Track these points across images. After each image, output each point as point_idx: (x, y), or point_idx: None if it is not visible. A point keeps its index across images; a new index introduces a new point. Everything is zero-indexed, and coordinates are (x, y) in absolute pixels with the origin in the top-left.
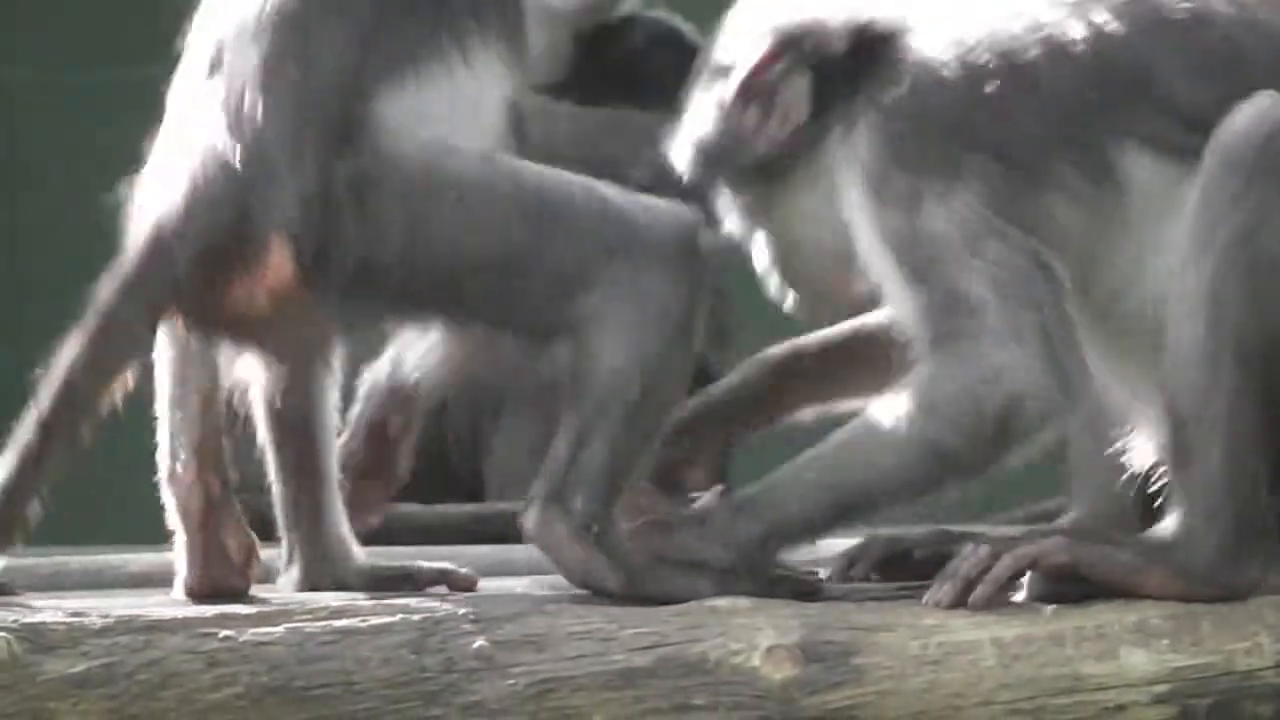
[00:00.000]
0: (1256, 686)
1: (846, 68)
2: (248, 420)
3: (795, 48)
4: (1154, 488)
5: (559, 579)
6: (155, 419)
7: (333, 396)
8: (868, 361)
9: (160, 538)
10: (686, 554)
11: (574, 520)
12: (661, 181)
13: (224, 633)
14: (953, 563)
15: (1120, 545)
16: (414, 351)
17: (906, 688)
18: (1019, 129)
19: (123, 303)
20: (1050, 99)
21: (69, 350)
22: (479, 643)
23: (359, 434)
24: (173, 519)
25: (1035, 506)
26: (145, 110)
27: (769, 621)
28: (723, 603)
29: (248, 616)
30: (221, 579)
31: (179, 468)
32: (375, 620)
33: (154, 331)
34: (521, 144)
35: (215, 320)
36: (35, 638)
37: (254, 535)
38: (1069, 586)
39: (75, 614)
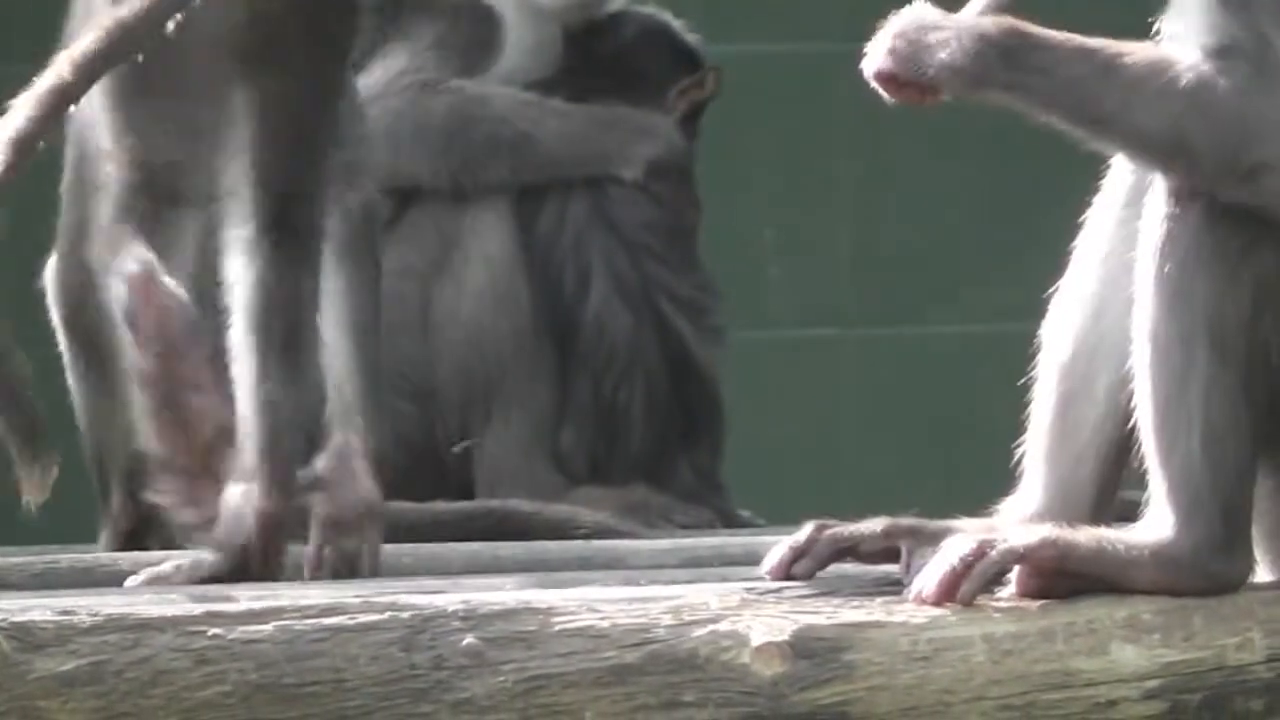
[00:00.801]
0: (1248, 681)
1: None
2: None
3: None
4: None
5: (549, 575)
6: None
7: None
8: None
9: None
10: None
11: None
12: (652, 176)
13: (213, 630)
14: (937, 557)
15: (1108, 540)
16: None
17: (897, 684)
18: None
19: None
20: None
21: None
22: (469, 640)
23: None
24: None
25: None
26: None
27: (759, 618)
28: (713, 599)
29: (236, 614)
30: None
31: None
32: (364, 618)
33: None
34: None
35: None
36: (24, 636)
37: None
38: (1055, 582)
39: (64, 612)
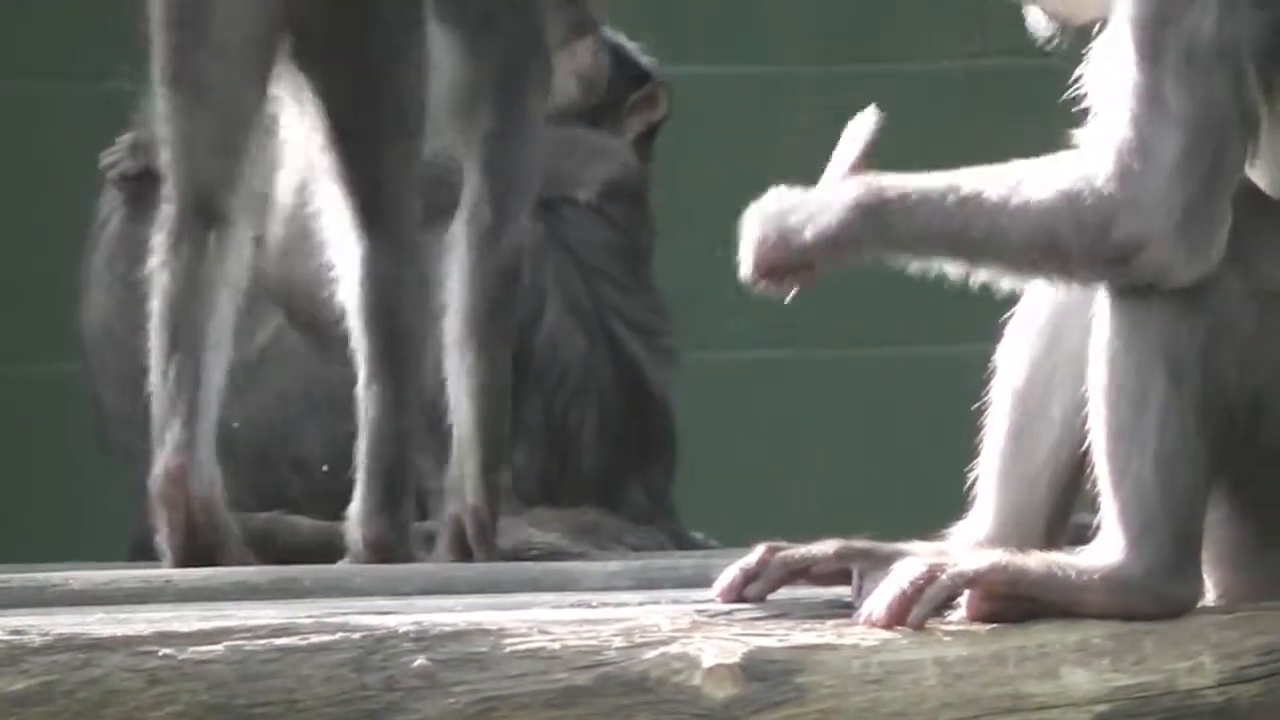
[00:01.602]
0: (1199, 706)
1: None
2: None
3: None
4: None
5: (501, 596)
6: (99, 441)
7: None
8: None
9: (103, 555)
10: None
11: None
12: (607, 198)
13: (164, 651)
14: (888, 580)
15: (1059, 564)
16: None
17: (849, 706)
18: None
19: None
20: None
21: None
22: (420, 661)
23: None
24: None
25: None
26: None
27: (710, 640)
28: (664, 621)
29: (188, 634)
30: None
31: None
32: (316, 638)
33: None
34: None
35: None
36: None
37: None
38: (1007, 606)
39: (15, 632)
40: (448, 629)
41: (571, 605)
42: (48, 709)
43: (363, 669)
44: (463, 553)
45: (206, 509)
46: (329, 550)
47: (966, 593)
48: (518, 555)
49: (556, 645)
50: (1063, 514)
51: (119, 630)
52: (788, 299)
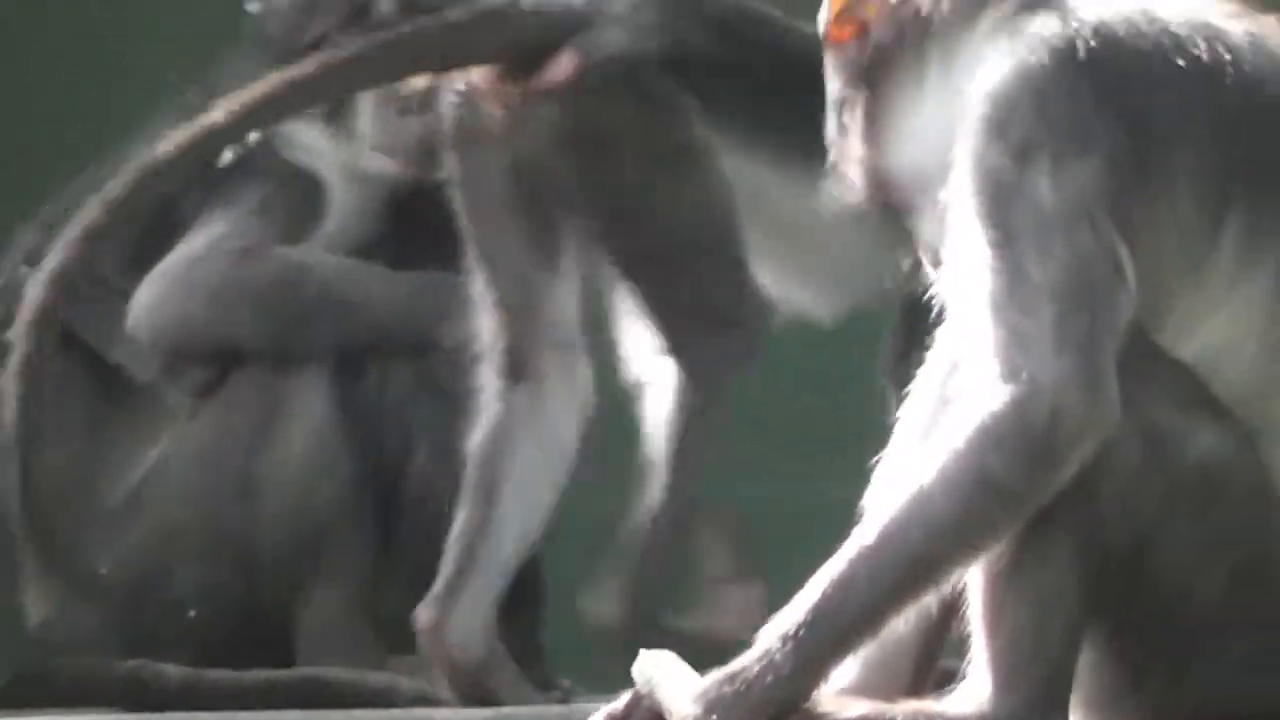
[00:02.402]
0: None
1: None
2: None
3: None
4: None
5: None
6: None
7: None
8: None
9: None
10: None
11: None
12: (473, 341)
13: None
14: None
15: (925, 713)
16: None
17: None
18: (1168, 126)
19: None
20: (1210, 113)
21: None
22: None
23: None
24: None
25: None
26: None
27: None
28: None
29: None
30: None
31: None
32: None
33: None
34: None
35: None
36: None
37: None
38: None
39: None
40: None
41: None
42: None
43: None
44: None
45: (468, 654)
46: (194, 697)
47: None
48: (390, 702)
49: None
50: (930, 658)
51: None
52: None
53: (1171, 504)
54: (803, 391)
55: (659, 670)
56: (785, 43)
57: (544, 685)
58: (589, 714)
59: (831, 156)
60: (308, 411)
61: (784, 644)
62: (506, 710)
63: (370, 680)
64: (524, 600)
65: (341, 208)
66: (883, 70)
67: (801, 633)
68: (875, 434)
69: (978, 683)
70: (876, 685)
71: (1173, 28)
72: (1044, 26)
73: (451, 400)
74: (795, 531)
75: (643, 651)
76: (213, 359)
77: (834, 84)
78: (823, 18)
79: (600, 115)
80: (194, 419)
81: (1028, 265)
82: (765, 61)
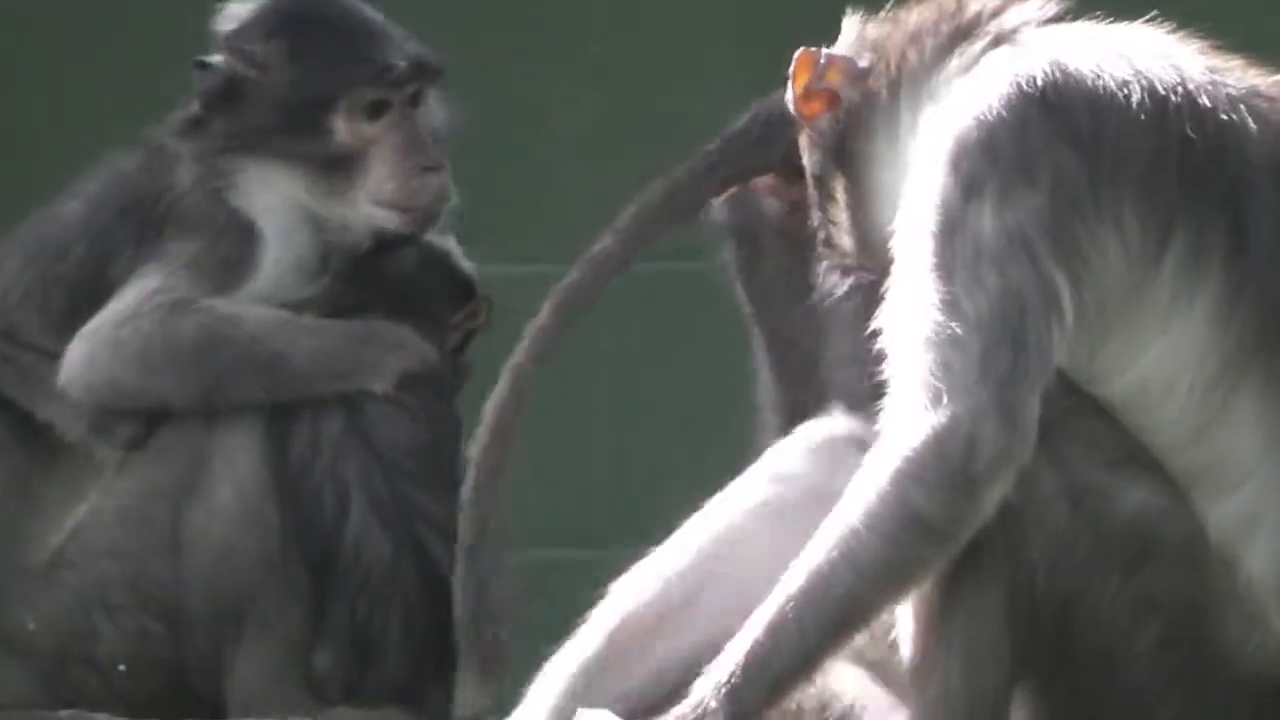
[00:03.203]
0: None
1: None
2: None
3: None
4: None
5: None
6: None
7: None
8: None
9: None
10: None
11: None
12: (405, 388)
13: None
14: None
15: None
16: None
17: None
18: (1117, 155)
19: None
20: (1158, 142)
21: None
22: None
23: None
24: None
25: None
26: None
27: None
28: None
29: None
30: None
31: None
32: None
33: None
34: None
35: None
36: None
37: None
38: None
39: None
40: None
41: None
42: None
43: None
44: None
45: None
46: None
47: None
48: None
49: None
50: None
51: None
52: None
53: (1100, 561)
54: None
55: None
56: None
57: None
58: None
59: (819, 233)
60: (235, 467)
61: (718, 692)
62: None
63: None
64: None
65: (278, 261)
66: (858, 133)
67: (736, 680)
68: None
69: None
70: None
71: (1126, 58)
72: (1000, 62)
73: (386, 456)
74: None
75: (580, 711)
76: (143, 415)
77: (810, 159)
78: (789, 96)
79: None
80: (121, 475)
81: (960, 297)
82: None
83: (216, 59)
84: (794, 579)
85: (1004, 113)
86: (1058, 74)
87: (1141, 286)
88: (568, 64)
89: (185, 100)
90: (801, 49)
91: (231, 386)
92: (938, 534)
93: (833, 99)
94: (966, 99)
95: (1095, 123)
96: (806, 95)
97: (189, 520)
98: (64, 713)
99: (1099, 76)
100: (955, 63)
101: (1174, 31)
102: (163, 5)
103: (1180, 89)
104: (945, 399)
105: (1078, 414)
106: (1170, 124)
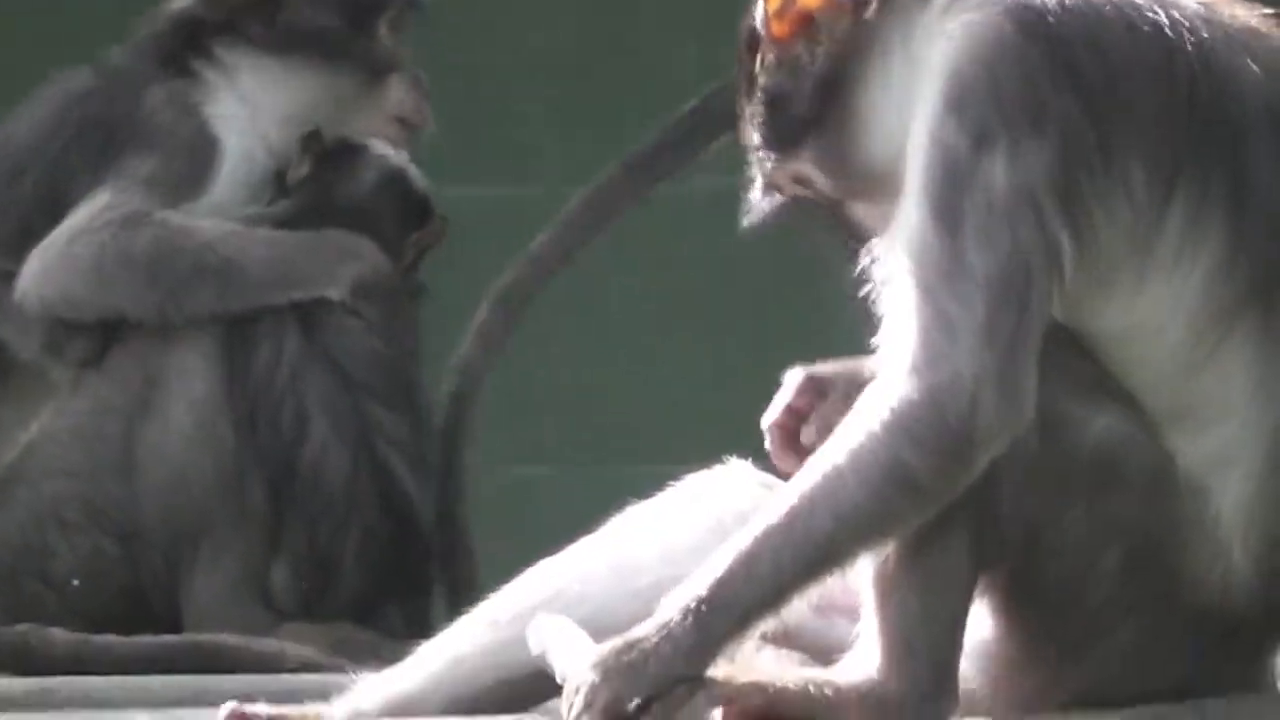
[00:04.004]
0: None
1: None
2: None
3: None
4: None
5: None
6: None
7: None
8: None
9: None
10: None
11: None
12: (359, 296)
13: None
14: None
15: (816, 683)
16: None
17: None
18: (1122, 100)
19: None
20: (1163, 86)
21: None
22: None
23: None
24: None
25: None
26: None
27: None
28: None
29: None
30: None
31: None
32: None
33: None
34: None
35: None
36: None
37: None
38: None
39: None
40: None
41: None
42: None
43: None
44: None
45: None
46: (83, 661)
47: (719, 711)
48: (278, 668)
49: None
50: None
51: None
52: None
53: (1067, 488)
54: None
55: (554, 636)
56: None
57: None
58: None
59: (761, 160)
60: (191, 385)
61: (684, 617)
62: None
63: (257, 647)
64: (416, 580)
65: (234, 178)
66: (836, 61)
67: (702, 608)
68: None
69: (869, 653)
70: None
71: (1127, 2)
72: (1001, 2)
73: (346, 371)
74: None
75: (540, 615)
76: (98, 330)
77: (772, 82)
78: (758, 15)
79: None
80: (75, 394)
81: (969, 252)
82: None
83: None
84: (772, 514)
85: (1011, 56)
86: (1062, 16)
87: (1144, 240)
88: None
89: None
90: None
91: (185, 296)
92: (924, 493)
93: (807, 21)
94: (969, 38)
95: (1104, 69)
96: (780, 15)
97: (143, 439)
98: (20, 627)
99: (1102, 18)
100: None
101: None
102: None
103: (1185, 30)
104: (947, 358)
105: (1049, 341)
106: (1177, 68)
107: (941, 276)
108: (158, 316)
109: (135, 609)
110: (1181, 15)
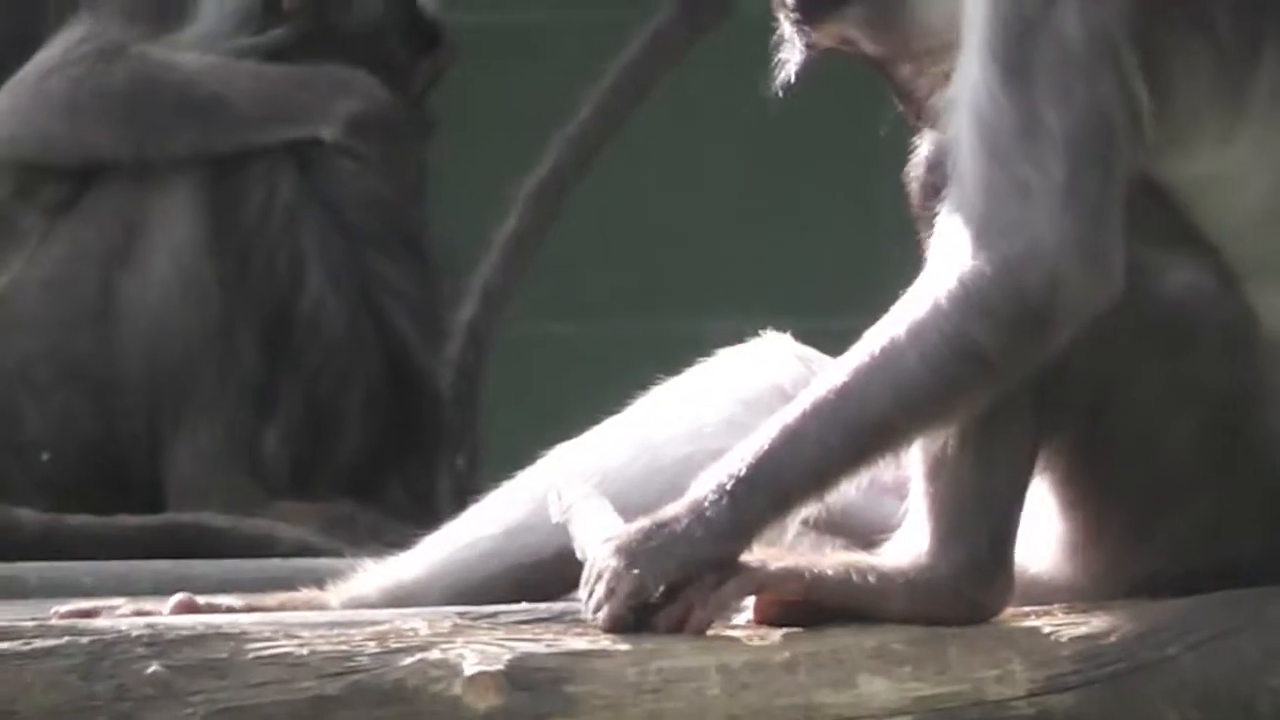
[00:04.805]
0: (1008, 717)
1: None
2: None
3: None
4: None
5: (243, 597)
6: None
7: None
8: None
9: None
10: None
11: None
12: (355, 133)
13: None
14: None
15: (858, 569)
16: None
17: (624, 718)
18: None
19: None
20: None
21: None
22: (154, 668)
23: None
24: None
25: None
26: None
27: (472, 646)
28: (422, 625)
29: None
30: None
31: None
32: (40, 642)
33: None
34: None
35: None
36: None
37: None
38: (800, 612)
39: None
40: (184, 632)
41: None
42: None
43: (90, 676)
44: None
45: None
46: (53, 545)
47: (755, 597)
48: (269, 551)
49: (304, 651)
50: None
51: None
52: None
53: (1139, 344)
54: None
55: (580, 509)
56: None
57: None
58: None
59: (799, 21)
60: (174, 232)
61: (719, 497)
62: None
63: (246, 527)
64: (420, 447)
65: (220, 4)
66: None
67: (740, 487)
68: None
69: (917, 534)
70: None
71: None
72: None
73: (345, 216)
74: None
75: (567, 488)
76: (73, 173)
77: None
78: None
79: None
80: (47, 242)
81: (1043, 109)
82: None
83: None
84: (821, 389)
85: None
86: None
87: (1231, 91)
88: None
89: None
90: None
91: (166, 135)
92: (995, 373)
93: None
94: None
95: None
96: None
97: (121, 289)
98: None
99: None
100: None
101: None
102: None
103: None
104: (1024, 226)
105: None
106: None
107: (1013, 137)
108: (137, 156)
109: (111, 482)
110: None
